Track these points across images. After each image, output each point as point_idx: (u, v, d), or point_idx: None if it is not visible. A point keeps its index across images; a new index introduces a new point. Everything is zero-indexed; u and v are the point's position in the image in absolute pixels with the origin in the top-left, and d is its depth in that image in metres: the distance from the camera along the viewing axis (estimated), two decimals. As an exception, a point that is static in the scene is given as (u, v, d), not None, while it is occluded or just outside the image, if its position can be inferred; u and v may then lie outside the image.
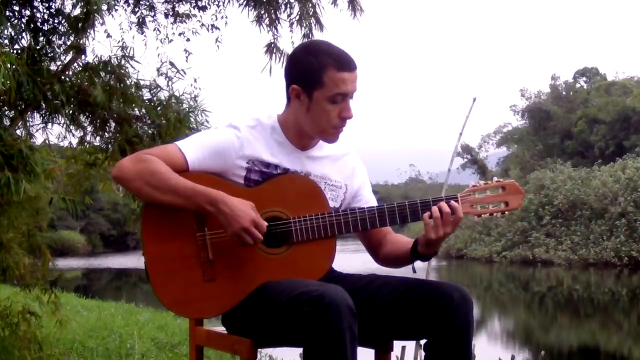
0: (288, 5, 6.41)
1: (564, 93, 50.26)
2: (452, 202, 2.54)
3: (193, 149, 2.54)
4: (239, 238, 2.44)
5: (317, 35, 6.34)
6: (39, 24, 5.46)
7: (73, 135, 5.72)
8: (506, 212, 2.63)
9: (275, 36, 6.37)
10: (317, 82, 2.51)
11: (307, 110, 2.55)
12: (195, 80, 6.53)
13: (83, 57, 5.45)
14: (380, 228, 2.65)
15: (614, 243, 31.22)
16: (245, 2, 6.36)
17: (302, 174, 2.62)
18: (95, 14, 4.69)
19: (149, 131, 5.61)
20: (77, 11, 4.95)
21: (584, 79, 51.24)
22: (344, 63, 2.52)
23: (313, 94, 2.52)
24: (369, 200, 2.77)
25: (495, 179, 2.66)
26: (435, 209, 2.52)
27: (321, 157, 2.67)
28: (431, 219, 2.51)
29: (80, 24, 4.80)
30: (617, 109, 42.31)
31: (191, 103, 5.71)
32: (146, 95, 5.66)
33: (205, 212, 2.47)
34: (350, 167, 2.74)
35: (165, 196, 2.46)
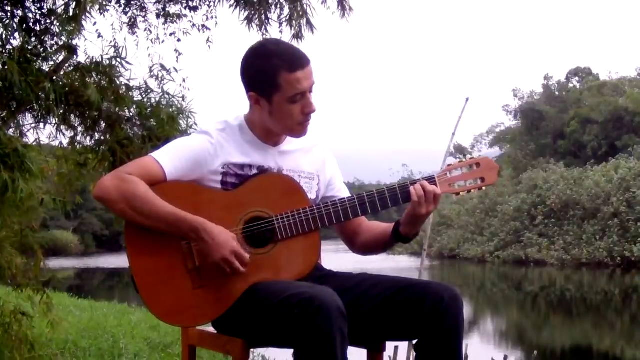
0: (278, 6, 6.40)
1: (556, 93, 50.36)
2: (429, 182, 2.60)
3: (169, 158, 2.54)
4: (219, 267, 2.46)
5: (308, 36, 6.34)
6: (31, 24, 5.45)
7: (64, 135, 5.71)
8: (483, 188, 2.69)
9: (264, 36, 6.36)
10: (272, 86, 2.50)
11: (269, 113, 2.55)
12: (184, 80, 6.52)
13: (75, 57, 5.45)
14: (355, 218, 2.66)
15: (606, 243, 31.29)
16: (236, 2, 6.35)
17: (277, 171, 2.63)
18: (87, 3, 4.67)
19: (140, 133, 5.60)
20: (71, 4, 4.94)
21: (577, 79, 51.36)
22: (296, 62, 2.50)
23: (272, 98, 2.52)
24: (342, 189, 2.81)
25: (469, 156, 2.72)
26: (418, 187, 2.56)
27: (292, 151, 2.69)
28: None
29: (74, 11, 4.76)
30: (609, 109, 42.42)
31: (179, 105, 5.69)
32: (137, 97, 5.65)
33: (187, 239, 2.47)
34: (321, 158, 2.77)
35: (148, 221, 2.46)
